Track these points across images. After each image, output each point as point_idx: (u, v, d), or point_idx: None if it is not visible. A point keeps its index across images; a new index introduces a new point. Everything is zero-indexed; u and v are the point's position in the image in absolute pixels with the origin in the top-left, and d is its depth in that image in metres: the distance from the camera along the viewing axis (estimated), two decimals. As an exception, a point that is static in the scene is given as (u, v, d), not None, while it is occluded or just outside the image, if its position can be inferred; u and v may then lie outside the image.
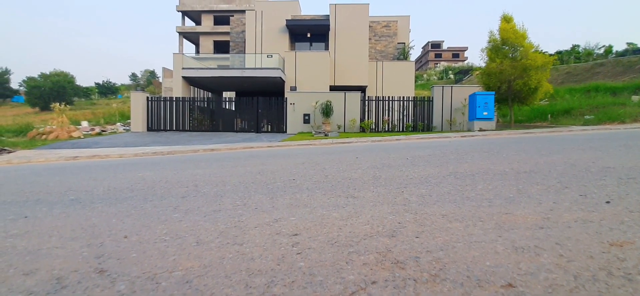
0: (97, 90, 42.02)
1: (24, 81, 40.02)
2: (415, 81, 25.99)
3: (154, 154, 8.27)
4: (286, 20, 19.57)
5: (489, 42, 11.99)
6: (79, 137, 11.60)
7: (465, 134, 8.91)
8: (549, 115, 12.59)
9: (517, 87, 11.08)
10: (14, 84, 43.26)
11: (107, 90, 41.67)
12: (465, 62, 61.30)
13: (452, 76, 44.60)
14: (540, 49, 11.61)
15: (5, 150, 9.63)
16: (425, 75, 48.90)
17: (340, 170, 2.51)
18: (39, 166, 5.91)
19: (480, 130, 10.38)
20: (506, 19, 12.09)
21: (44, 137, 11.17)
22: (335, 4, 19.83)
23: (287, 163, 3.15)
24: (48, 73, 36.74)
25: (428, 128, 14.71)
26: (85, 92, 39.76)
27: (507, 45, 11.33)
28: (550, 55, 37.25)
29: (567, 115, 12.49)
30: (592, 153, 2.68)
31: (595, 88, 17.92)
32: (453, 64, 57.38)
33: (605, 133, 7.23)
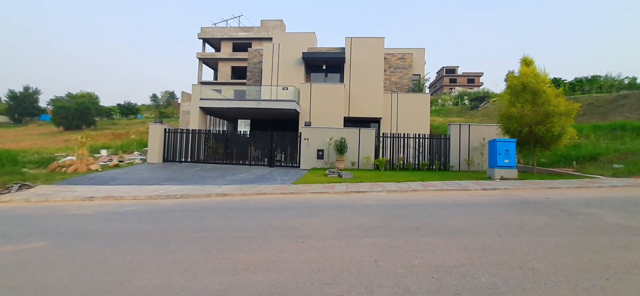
0: (118, 110, 43.68)
1: (52, 100, 42.22)
2: (430, 105, 25.48)
3: (167, 198, 8.28)
4: (303, 52, 19.94)
5: (508, 85, 11.66)
6: (97, 170, 11.85)
7: (486, 186, 8.50)
8: (574, 162, 11.96)
9: (540, 132, 10.61)
10: (43, 103, 45.57)
11: (128, 110, 43.27)
12: (481, 87, 60.63)
13: (467, 102, 43.96)
14: (562, 91, 11.15)
15: (25, 184, 9.90)
16: (439, 100, 48.44)
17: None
18: (54, 213, 5.90)
19: (502, 178, 9.92)
20: (526, 62, 11.76)
21: (63, 169, 11.46)
22: (351, 38, 20.11)
23: (301, 268, 2.96)
24: (75, 93, 38.63)
25: (445, 167, 14.29)
26: (108, 112, 41.38)
27: (527, 90, 10.97)
28: (570, 85, 35.92)
29: (593, 161, 11.84)
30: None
31: (622, 127, 17.12)
32: (468, 89, 56.84)
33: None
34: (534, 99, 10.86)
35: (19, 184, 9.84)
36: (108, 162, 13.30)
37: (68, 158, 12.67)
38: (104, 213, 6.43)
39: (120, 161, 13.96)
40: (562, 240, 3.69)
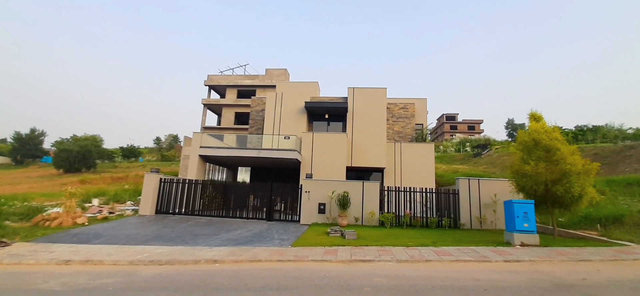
0: (120, 152, 43.62)
1: (55, 142, 42.44)
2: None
3: (151, 264, 7.43)
4: (305, 102, 20.00)
5: (519, 141, 11.19)
6: (83, 224, 11.08)
7: (508, 256, 7.60)
8: (598, 225, 11.05)
9: (558, 192, 9.89)
10: (47, 145, 45.79)
11: (130, 153, 43.20)
12: (482, 134, 60.77)
13: (469, 149, 43.63)
14: (577, 149, 10.61)
15: (3, 242, 9.10)
16: (441, 147, 48.20)
17: None
18: (20, 286, 5.09)
19: (522, 244, 9.01)
20: (535, 118, 11.40)
21: (47, 223, 10.71)
22: (354, 88, 20.29)
23: None
24: (79, 135, 38.85)
25: (455, 224, 13.36)
26: (109, 155, 41.27)
27: (540, 146, 10.47)
28: (572, 134, 35.53)
29: (618, 223, 10.93)
30: None
31: (637, 182, 16.34)
32: (469, 136, 56.85)
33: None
34: (547, 156, 10.30)
35: (-5, 241, 9.05)
36: (97, 214, 12.55)
37: (55, 209, 11.96)
38: (74, 288, 5.60)
39: (110, 212, 13.20)
40: None
